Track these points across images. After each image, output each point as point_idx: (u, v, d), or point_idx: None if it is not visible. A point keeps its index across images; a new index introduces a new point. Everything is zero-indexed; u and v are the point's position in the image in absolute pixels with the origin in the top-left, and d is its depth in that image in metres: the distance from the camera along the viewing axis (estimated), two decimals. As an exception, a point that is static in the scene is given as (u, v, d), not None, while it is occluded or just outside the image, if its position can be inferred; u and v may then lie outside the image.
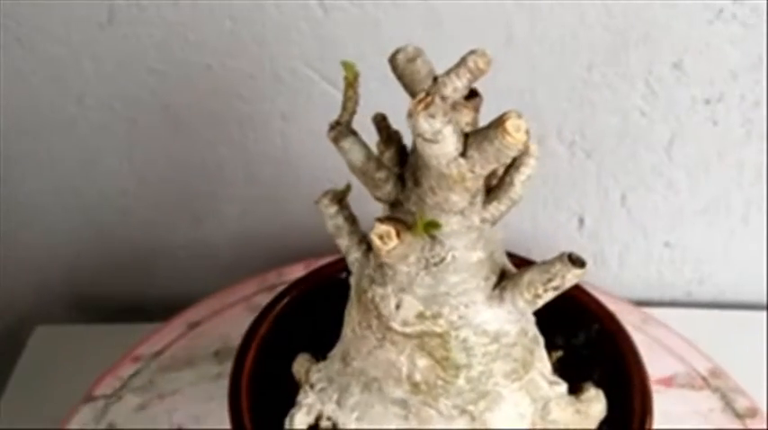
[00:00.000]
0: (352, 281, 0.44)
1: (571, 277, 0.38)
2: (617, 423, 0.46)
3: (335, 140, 0.40)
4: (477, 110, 0.38)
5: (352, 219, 0.43)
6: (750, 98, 0.67)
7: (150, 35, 0.66)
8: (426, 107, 0.34)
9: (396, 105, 0.40)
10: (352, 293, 0.44)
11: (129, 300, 0.82)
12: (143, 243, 0.80)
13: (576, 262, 0.38)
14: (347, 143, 0.39)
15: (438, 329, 0.40)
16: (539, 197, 0.74)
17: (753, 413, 0.62)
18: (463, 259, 0.39)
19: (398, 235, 0.36)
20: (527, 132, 0.34)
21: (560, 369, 0.47)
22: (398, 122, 0.40)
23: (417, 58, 0.38)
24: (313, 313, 0.50)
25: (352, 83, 0.39)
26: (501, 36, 0.65)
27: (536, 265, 0.39)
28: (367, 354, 0.43)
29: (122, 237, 0.79)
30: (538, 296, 0.39)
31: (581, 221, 0.76)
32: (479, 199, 0.38)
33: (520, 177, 0.38)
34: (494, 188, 0.39)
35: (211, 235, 0.79)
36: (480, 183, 0.37)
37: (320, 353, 0.47)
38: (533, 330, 0.43)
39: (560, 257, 0.38)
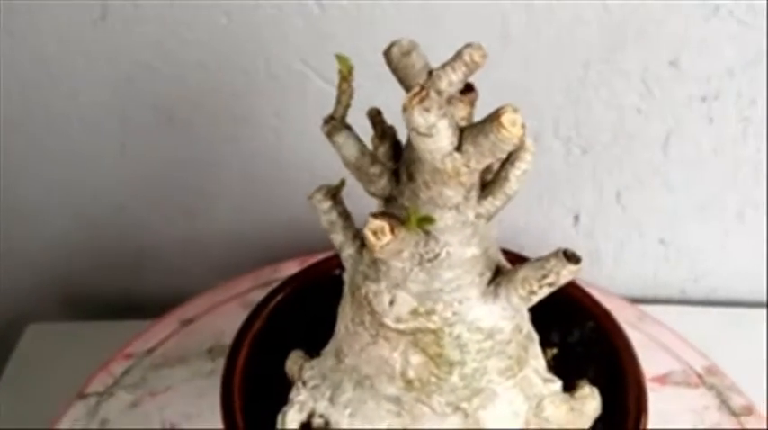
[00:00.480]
0: (346, 277, 0.44)
1: (566, 273, 0.38)
2: (612, 421, 0.46)
3: (329, 135, 0.39)
4: (472, 104, 0.38)
5: (345, 215, 0.43)
6: (746, 96, 0.67)
7: (143, 32, 0.66)
8: (421, 101, 0.34)
9: (391, 102, 0.40)
10: (346, 289, 0.44)
11: (122, 298, 0.82)
12: (136, 240, 0.79)
13: (572, 258, 0.38)
14: (341, 138, 0.39)
15: (432, 326, 0.40)
16: (534, 194, 0.74)
17: (748, 411, 0.62)
18: (458, 255, 0.39)
19: (392, 230, 0.36)
20: (523, 126, 0.34)
21: (555, 366, 0.47)
22: (393, 118, 0.40)
23: (412, 52, 0.38)
24: (306, 310, 0.50)
25: (346, 76, 0.38)
26: (497, 32, 0.64)
27: (531, 262, 0.39)
28: (360, 351, 0.42)
29: (115, 234, 0.79)
30: (533, 292, 0.39)
31: (576, 218, 0.76)
32: (474, 194, 0.38)
33: (515, 172, 0.38)
34: (489, 183, 0.39)
35: (205, 232, 0.79)
36: (475, 178, 0.37)
37: (314, 351, 0.47)
38: (528, 327, 0.43)
39: (555, 253, 0.38)
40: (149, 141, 0.73)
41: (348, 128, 0.40)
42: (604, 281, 0.78)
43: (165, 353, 0.66)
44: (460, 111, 0.38)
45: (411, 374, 0.41)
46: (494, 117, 0.34)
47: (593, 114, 0.68)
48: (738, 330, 0.74)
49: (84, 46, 0.67)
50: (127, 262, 0.80)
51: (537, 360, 0.44)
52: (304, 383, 0.45)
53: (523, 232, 0.76)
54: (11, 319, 0.81)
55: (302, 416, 0.44)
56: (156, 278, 0.81)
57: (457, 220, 0.38)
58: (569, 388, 0.45)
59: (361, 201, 0.42)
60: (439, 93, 0.34)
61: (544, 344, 0.46)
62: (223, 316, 0.68)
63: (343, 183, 0.42)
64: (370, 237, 0.36)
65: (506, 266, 0.41)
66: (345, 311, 0.43)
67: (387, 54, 0.38)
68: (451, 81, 0.35)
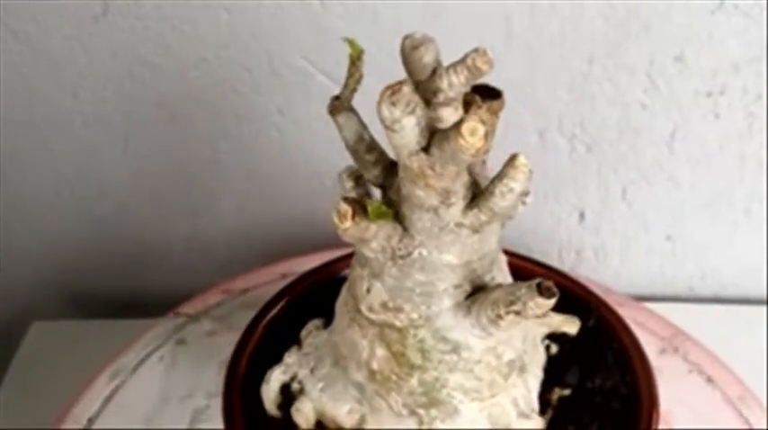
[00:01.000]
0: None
1: (533, 306, 0.36)
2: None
3: (332, 113, 0.39)
4: (494, 112, 0.37)
5: (368, 196, 0.42)
6: (752, 91, 0.66)
7: (145, 28, 0.66)
8: (391, 95, 0.34)
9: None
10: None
11: (125, 295, 0.82)
12: (139, 237, 0.80)
13: (545, 292, 0.36)
14: (342, 118, 0.39)
15: (398, 323, 0.40)
16: (539, 191, 0.74)
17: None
18: (432, 259, 0.39)
19: (353, 217, 0.36)
20: (485, 138, 0.33)
21: (562, 409, 0.46)
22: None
23: (420, 47, 0.37)
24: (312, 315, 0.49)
25: (354, 60, 0.38)
26: (501, 28, 0.64)
27: (508, 285, 0.39)
28: (341, 331, 0.43)
29: (118, 231, 0.79)
30: (499, 317, 0.38)
31: (582, 215, 0.75)
32: (456, 201, 0.37)
33: (501, 188, 0.36)
34: (478, 196, 0.38)
35: (208, 229, 0.79)
36: (447, 183, 0.36)
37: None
38: (512, 355, 0.42)
39: (529, 283, 0.37)
40: (152, 138, 0.73)
41: (351, 110, 0.40)
42: (611, 278, 0.78)
43: (257, 296, 0.66)
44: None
45: (374, 366, 0.41)
46: (457, 123, 0.33)
47: (598, 110, 0.68)
48: (745, 327, 0.73)
49: (85, 42, 0.67)
50: (130, 259, 0.81)
51: (520, 391, 0.43)
52: (299, 348, 0.46)
53: (529, 231, 0.76)
54: (15, 317, 0.81)
55: (285, 378, 0.45)
56: (160, 276, 0.81)
57: (435, 224, 0.37)
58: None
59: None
60: (444, 92, 0.34)
61: (556, 384, 0.45)
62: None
63: None
64: (335, 219, 0.36)
65: (490, 284, 0.40)
66: (345, 290, 0.44)
67: (401, 46, 0.38)
68: (452, 83, 0.34)
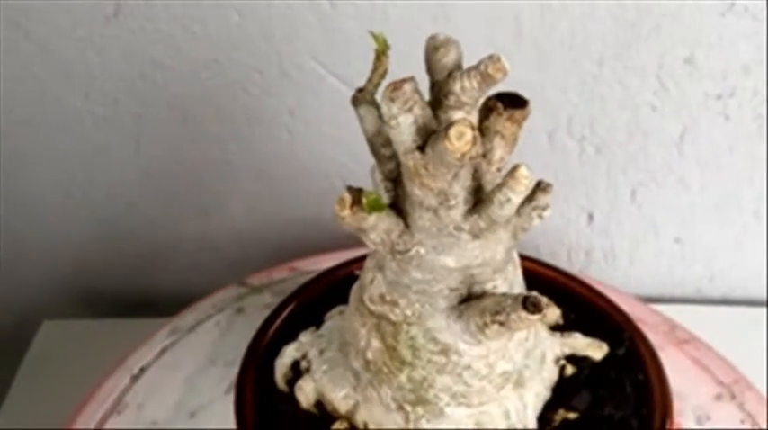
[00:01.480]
0: None
1: (516, 318, 0.36)
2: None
3: (353, 103, 0.39)
4: (514, 121, 0.37)
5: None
6: (762, 93, 0.66)
7: (157, 29, 0.66)
8: (393, 91, 0.34)
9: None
10: None
11: (136, 295, 0.82)
12: (149, 238, 0.80)
13: (531, 306, 0.36)
14: (363, 110, 0.39)
15: (393, 317, 0.40)
16: (548, 192, 0.74)
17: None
18: (429, 259, 0.39)
19: (352, 206, 0.37)
20: (472, 143, 0.32)
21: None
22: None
23: (441, 48, 0.37)
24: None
25: (379, 55, 0.38)
26: (510, 30, 0.64)
27: (499, 295, 0.39)
28: (348, 317, 0.43)
29: (129, 231, 0.79)
30: (485, 325, 0.38)
31: (591, 217, 0.75)
32: (456, 204, 0.37)
33: (500, 197, 0.36)
34: (479, 202, 0.38)
35: (218, 230, 0.79)
36: (441, 185, 0.36)
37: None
38: (506, 367, 0.41)
39: (516, 295, 0.37)
40: (163, 138, 0.73)
41: (373, 103, 0.40)
42: (619, 279, 0.78)
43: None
44: (498, 125, 0.37)
45: (369, 356, 0.42)
46: (446, 126, 0.33)
47: (608, 112, 0.68)
48: (754, 330, 0.73)
49: (97, 42, 0.67)
50: (140, 259, 0.81)
51: (513, 404, 0.43)
52: (316, 329, 0.47)
53: (538, 232, 0.75)
54: (26, 316, 0.82)
55: (297, 355, 0.46)
56: (169, 276, 0.81)
57: (434, 224, 0.37)
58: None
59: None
60: (450, 93, 0.34)
61: (563, 405, 0.44)
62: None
63: None
64: (336, 206, 0.37)
65: (489, 292, 0.40)
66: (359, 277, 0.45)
67: (425, 45, 0.38)
68: (464, 87, 0.34)
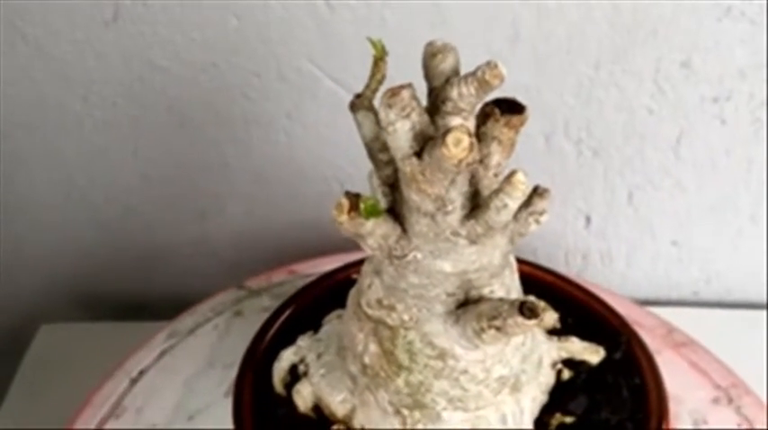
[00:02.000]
0: None
1: (513, 324, 0.36)
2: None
3: (351, 109, 0.40)
4: (511, 126, 0.37)
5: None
6: (759, 96, 0.67)
7: (155, 33, 0.66)
8: (390, 97, 0.34)
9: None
10: None
11: (134, 298, 0.82)
12: (148, 241, 0.80)
13: (527, 311, 0.36)
14: (360, 116, 0.39)
15: (390, 322, 0.40)
16: (545, 195, 0.74)
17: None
18: (426, 264, 0.39)
19: (350, 211, 0.37)
20: (469, 149, 0.33)
21: None
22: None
23: (438, 54, 0.37)
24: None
25: (377, 61, 0.39)
26: (507, 33, 0.65)
27: (495, 299, 0.39)
28: (346, 321, 0.44)
29: (127, 234, 0.79)
30: (482, 330, 0.38)
31: (588, 220, 0.75)
32: (453, 209, 0.37)
33: (497, 203, 0.36)
34: (476, 207, 0.38)
35: (216, 233, 0.79)
36: (438, 190, 0.36)
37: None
38: (503, 372, 0.42)
39: (513, 301, 0.37)
40: (161, 142, 0.73)
41: (371, 109, 0.40)
42: (616, 282, 0.78)
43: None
44: (495, 130, 0.37)
45: (366, 360, 0.42)
46: (443, 133, 0.33)
47: (605, 115, 0.68)
48: (751, 332, 0.73)
49: (96, 47, 0.67)
50: (138, 263, 0.81)
51: (509, 408, 0.43)
52: (314, 333, 0.47)
53: (536, 235, 0.75)
54: (25, 320, 0.81)
55: (295, 359, 0.46)
56: (167, 279, 0.81)
57: (431, 229, 0.38)
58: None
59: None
60: (446, 99, 0.34)
61: (560, 410, 0.44)
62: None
63: None
64: (333, 211, 0.37)
65: (486, 297, 0.40)
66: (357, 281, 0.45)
67: (423, 51, 0.38)
68: (461, 93, 0.35)
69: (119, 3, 0.64)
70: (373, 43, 0.38)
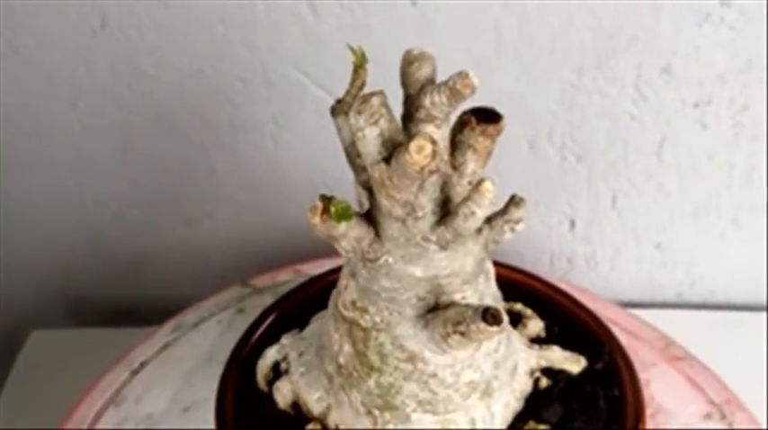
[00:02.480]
0: None
1: (476, 329, 0.37)
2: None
3: (332, 114, 0.40)
4: (487, 135, 0.37)
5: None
6: (739, 101, 0.67)
7: (142, 40, 0.66)
8: (361, 104, 0.35)
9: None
10: None
11: (124, 304, 0.83)
12: (136, 247, 0.80)
13: (490, 317, 0.37)
14: (339, 121, 0.40)
15: (363, 323, 0.41)
16: (530, 199, 0.74)
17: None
18: (397, 268, 0.39)
19: (323, 214, 0.37)
20: (431, 157, 0.33)
21: None
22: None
23: (415, 62, 0.38)
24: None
25: (357, 68, 0.39)
26: (490, 40, 0.65)
27: (462, 305, 0.39)
28: (325, 321, 0.44)
29: (116, 240, 0.80)
30: (447, 335, 0.38)
31: (572, 224, 0.76)
32: (425, 216, 0.38)
33: (464, 210, 0.37)
34: (447, 214, 0.38)
35: (204, 238, 0.79)
36: (406, 196, 0.37)
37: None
38: (473, 377, 0.42)
39: (477, 307, 0.37)
40: (149, 148, 0.73)
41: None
42: (601, 285, 0.79)
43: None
44: (471, 139, 0.37)
45: (341, 360, 0.42)
46: (408, 139, 0.34)
47: (588, 121, 0.69)
48: (735, 333, 0.74)
49: (84, 54, 0.67)
50: (127, 268, 0.81)
51: (480, 413, 0.43)
52: (298, 332, 0.48)
53: (521, 238, 0.76)
54: (15, 326, 0.82)
55: (279, 356, 0.47)
56: (156, 285, 0.81)
57: (402, 234, 0.38)
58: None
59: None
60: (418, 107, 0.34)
61: (533, 418, 0.44)
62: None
63: None
64: (308, 213, 0.38)
65: (459, 304, 0.40)
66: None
67: (401, 59, 0.39)
68: (434, 101, 0.35)
69: (106, 11, 0.65)
70: (353, 50, 0.39)
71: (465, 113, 0.38)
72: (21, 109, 0.71)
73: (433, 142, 0.33)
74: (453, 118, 0.38)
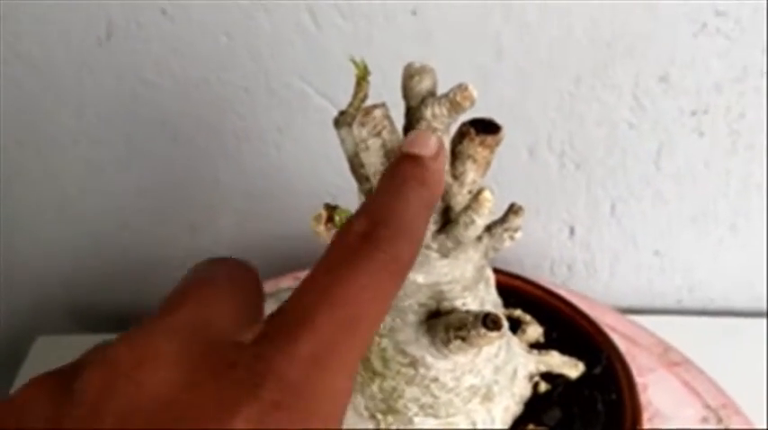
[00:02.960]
0: None
1: (476, 335, 0.38)
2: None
3: (335, 125, 0.41)
4: (486, 146, 0.38)
5: None
6: (735, 109, 0.68)
7: (147, 50, 0.67)
8: (364, 115, 0.36)
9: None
10: None
11: (129, 310, 0.83)
12: (140, 254, 0.81)
13: (491, 324, 0.37)
14: (344, 132, 0.41)
15: None
16: (530, 207, 0.75)
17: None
18: None
19: (327, 222, 0.39)
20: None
21: None
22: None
23: (416, 76, 0.38)
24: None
25: (360, 80, 0.40)
26: (490, 50, 0.66)
27: (462, 311, 0.40)
28: None
29: (120, 248, 0.80)
30: (449, 340, 0.39)
31: (572, 231, 0.77)
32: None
33: (465, 219, 0.38)
34: (448, 222, 0.39)
35: (208, 246, 0.80)
36: None
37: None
38: (474, 381, 0.43)
39: (478, 313, 0.38)
40: (153, 157, 0.74)
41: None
42: (600, 292, 0.79)
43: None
44: (470, 149, 0.38)
45: None
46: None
47: (586, 129, 0.70)
48: (733, 340, 0.74)
49: (90, 64, 0.68)
50: (131, 276, 0.82)
51: (480, 417, 0.44)
52: None
53: (521, 245, 0.76)
54: (21, 332, 0.82)
55: None
56: (161, 292, 0.81)
57: None
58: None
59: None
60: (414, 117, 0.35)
61: (533, 421, 0.45)
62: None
63: None
64: (311, 222, 0.39)
65: (459, 310, 0.41)
66: None
67: (402, 72, 0.39)
68: (434, 113, 0.36)
69: (112, 21, 0.65)
70: (355, 63, 0.40)
71: (464, 124, 0.38)
72: (26, 117, 0.71)
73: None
74: (453, 129, 0.39)
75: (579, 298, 0.59)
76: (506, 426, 0.44)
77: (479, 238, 0.40)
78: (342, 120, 0.41)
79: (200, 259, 0.85)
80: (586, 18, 0.64)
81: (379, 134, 0.36)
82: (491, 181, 0.40)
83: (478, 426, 0.44)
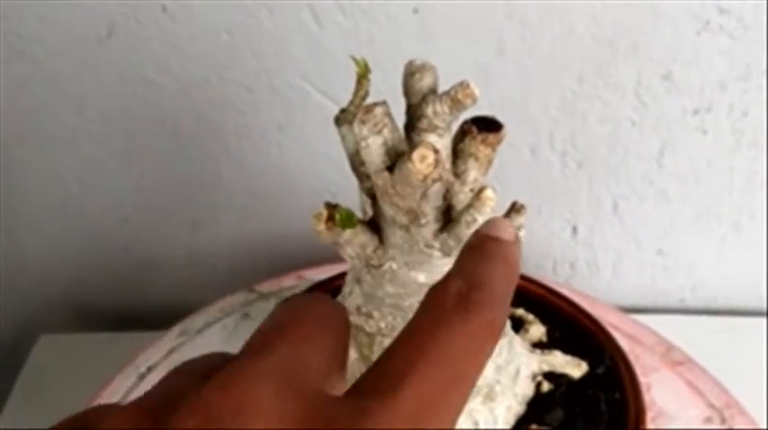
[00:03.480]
0: None
1: None
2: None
3: (336, 123, 0.41)
4: (488, 144, 0.38)
5: None
6: (738, 108, 0.68)
7: (149, 49, 0.67)
8: (364, 114, 0.36)
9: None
10: None
11: (130, 309, 0.83)
12: (142, 252, 0.81)
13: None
14: (344, 130, 0.41)
15: (368, 329, 0.42)
16: (533, 206, 0.74)
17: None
18: (401, 274, 0.40)
19: (327, 220, 0.38)
20: (434, 166, 0.34)
21: None
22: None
23: (416, 73, 0.38)
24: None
25: (360, 78, 0.40)
26: (492, 48, 0.66)
27: None
28: None
29: (122, 246, 0.80)
30: None
31: (574, 230, 0.76)
32: (428, 223, 0.39)
33: (467, 218, 0.38)
34: (450, 221, 0.39)
35: (210, 244, 0.80)
36: (410, 204, 0.37)
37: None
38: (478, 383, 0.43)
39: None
40: (155, 155, 0.74)
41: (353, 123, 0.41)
42: (603, 291, 0.79)
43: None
44: (471, 147, 0.38)
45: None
46: (411, 148, 0.35)
47: (589, 127, 0.69)
48: (736, 339, 0.74)
49: (91, 63, 0.68)
50: (133, 274, 0.82)
51: (482, 416, 0.44)
52: None
53: (524, 244, 0.76)
54: (23, 331, 0.82)
55: None
56: (162, 290, 0.82)
57: (406, 241, 0.39)
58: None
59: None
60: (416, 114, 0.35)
61: (536, 420, 0.45)
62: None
63: None
64: (312, 220, 0.39)
65: None
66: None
67: (404, 70, 0.40)
68: (436, 111, 0.36)
69: (113, 20, 0.65)
70: (356, 61, 0.40)
71: (466, 122, 0.38)
72: (28, 116, 0.72)
73: (436, 151, 0.34)
74: (455, 127, 0.39)
75: (582, 297, 0.59)
76: (509, 426, 0.44)
77: None
78: (343, 118, 0.41)
79: (201, 257, 0.86)
80: (589, 16, 0.64)
81: (379, 132, 0.36)
82: (493, 179, 0.40)
83: (480, 426, 0.43)
